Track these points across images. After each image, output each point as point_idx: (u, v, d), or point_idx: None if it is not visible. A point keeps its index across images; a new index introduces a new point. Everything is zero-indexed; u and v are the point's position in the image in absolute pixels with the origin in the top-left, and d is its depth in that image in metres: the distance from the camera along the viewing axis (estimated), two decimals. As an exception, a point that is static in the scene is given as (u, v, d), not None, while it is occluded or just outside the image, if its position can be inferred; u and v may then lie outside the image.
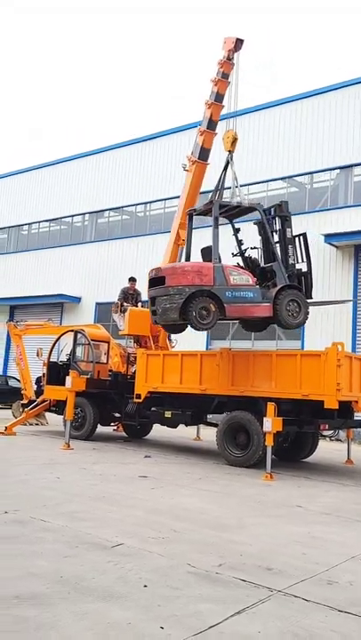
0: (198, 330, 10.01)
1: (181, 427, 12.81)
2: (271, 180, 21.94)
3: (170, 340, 13.75)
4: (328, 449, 13.42)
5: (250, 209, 11.02)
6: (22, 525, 5.41)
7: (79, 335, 14.13)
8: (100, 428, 13.83)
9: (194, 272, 9.91)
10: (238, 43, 12.62)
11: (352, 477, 10.08)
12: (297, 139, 21.26)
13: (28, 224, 31.31)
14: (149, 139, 26.01)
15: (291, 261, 10.63)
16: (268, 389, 10.06)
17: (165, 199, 24.67)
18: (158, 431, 14.51)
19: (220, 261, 10.11)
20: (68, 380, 11.76)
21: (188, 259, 11.11)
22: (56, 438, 12.70)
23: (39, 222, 30.84)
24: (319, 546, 5.39)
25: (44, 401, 14.39)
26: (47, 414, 15.66)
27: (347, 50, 61.49)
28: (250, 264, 10.99)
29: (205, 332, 22.51)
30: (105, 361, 14.23)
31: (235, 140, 11.69)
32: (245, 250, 11.07)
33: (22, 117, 73.35)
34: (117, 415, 13.73)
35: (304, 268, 10.88)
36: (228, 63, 12.63)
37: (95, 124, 71.92)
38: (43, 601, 3.64)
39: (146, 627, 3.35)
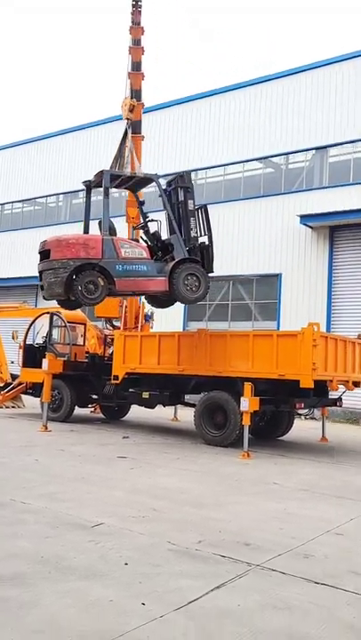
0: (86, 305, 9.95)
1: (159, 408, 12.87)
2: (247, 161, 21.88)
3: (147, 320, 13.75)
4: (303, 427, 13.65)
5: (146, 179, 10.79)
6: (2, 507, 5.41)
7: (55, 317, 14.02)
8: (78, 410, 13.81)
9: (79, 244, 9.59)
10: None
11: (327, 454, 10.29)
12: (273, 119, 21.19)
13: (1, 204, 30.74)
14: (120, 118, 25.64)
15: (193, 234, 10.42)
16: (245, 369, 10.15)
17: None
18: (136, 412, 14.56)
19: (110, 234, 9.86)
20: (45, 362, 11.69)
21: (86, 232, 10.66)
22: (33, 421, 12.65)
23: (12, 202, 30.28)
24: (295, 521, 5.52)
25: (20, 384, 14.30)
26: (24, 397, 15.57)
27: (346, 50, 61.20)
28: (151, 237, 10.74)
29: (183, 312, 22.62)
30: (82, 343, 14.18)
31: (133, 108, 11.52)
32: (147, 222, 10.75)
33: (21, 117, 71.55)
34: (95, 397, 13.72)
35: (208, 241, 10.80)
36: (135, 28, 12.17)
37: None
38: (24, 581, 3.66)
39: (127, 603, 3.40)
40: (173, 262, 9.96)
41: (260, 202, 21.20)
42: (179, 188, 10.57)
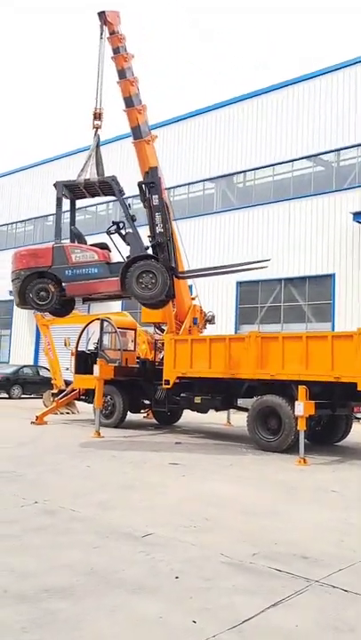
0: (41, 312, 10.25)
1: (212, 412, 12.68)
2: (296, 160, 21.42)
3: (195, 323, 13.55)
4: (362, 432, 13.12)
5: (105, 183, 10.37)
6: (52, 515, 5.36)
7: (105, 323, 14.07)
8: (131, 416, 13.79)
9: (29, 255, 10.15)
10: (107, 16, 11.68)
11: (388, 460, 9.81)
12: (322, 116, 20.67)
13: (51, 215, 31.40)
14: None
15: (158, 230, 10.27)
16: (298, 373, 9.82)
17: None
18: (189, 417, 14.42)
19: (79, 241, 10.19)
20: (96, 368, 11.71)
21: (57, 232, 10.44)
22: (86, 427, 12.70)
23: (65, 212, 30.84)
24: (357, 533, 5.20)
25: (73, 390, 14.43)
26: (78, 403, 15.72)
27: (347, 50, 59.75)
28: (124, 238, 10.40)
29: (234, 315, 22.35)
30: (132, 348, 14.16)
31: (100, 115, 11.28)
32: (116, 225, 10.29)
33: (20, 119, 73.49)
34: (147, 402, 13.67)
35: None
36: (114, 37, 11.82)
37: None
38: (72, 594, 3.55)
39: (178, 621, 3.22)
40: (125, 261, 9.88)
41: (310, 200, 20.70)
42: (144, 185, 10.63)
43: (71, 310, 11.45)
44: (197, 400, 11.57)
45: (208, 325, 14.09)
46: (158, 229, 10.28)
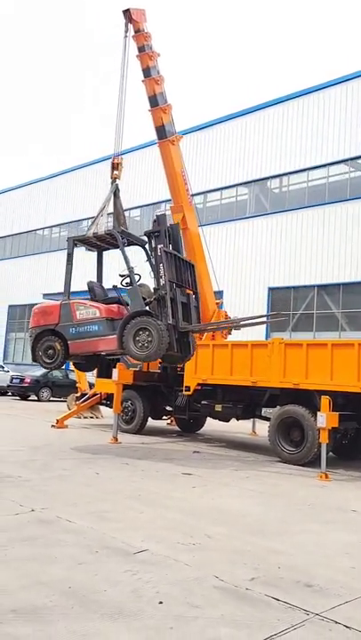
0: (49, 370, 9.77)
1: (238, 421, 12.25)
2: (332, 164, 20.82)
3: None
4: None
5: (111, 236, 9.85)
6: (46, 526, 5.08)
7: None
8: (154, 422, 13.49)
9: (40, 313, 10.03)
10: (132, 13, 11.40)
11: None
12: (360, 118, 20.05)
13: (85, 219, 31.56)
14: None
15: (162, 282, 9.32)
16: (323, 382, 9.33)
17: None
18: (213, 425, 14.02)
19: (96, 296, 9.89)
20: (115, 372, 11.47)
21: (66, 289, 10.11)
22: (107, 432, 12.44)
23: (87, 219, 30.96)
24: (372, 559, 4.74)
25: (95, 394, 14.23)
26: (102, 408, 15.52)
27: (346, 52, 58.52)
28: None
29: (265, 324, 21.84)
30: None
31: (118, 165, 10.74)
32: (123, 278, 9.68)
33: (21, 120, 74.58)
34: (169, 409, 13.34)
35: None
36: (139, 35, 11.56)
37: (97, 123, 72.04)
38: (42, 617, 3.25)
39: (150, 655, 2.88)
40: (124, 318, 9.25)
41: (346, 205, 20.06)
42: (150, 235, 9.75)
43: (96, 366, 11.29)
44: (218, 408, 11.19)
45: (233, 331, 13.70)
46: (162, 281, 9.37)
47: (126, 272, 9.47)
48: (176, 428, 14.32)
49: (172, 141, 11.69)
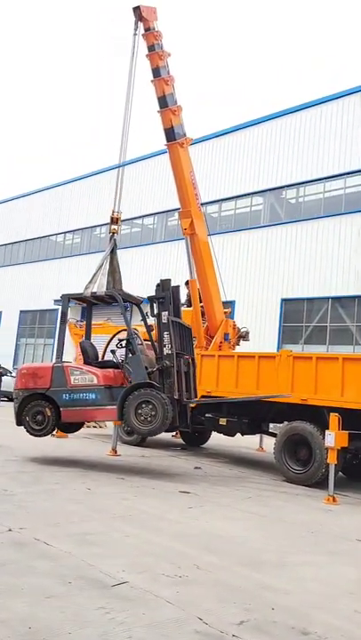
0: (36, 437, 9.13)
1: (242, 436, 11.73)
2: (348, 174, 20.33)
3: (227, 339, 12.71)
4: None
5: (110, 297, 9.56)
6: (20, 549, 4.64)
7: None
8: (159, 435, 12.96)
9: (29, 375, 9.27)
10: (142, 11, 11.09)
11: None
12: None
13: (99, 226, 31.33)
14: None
15: (166, 351, 8.90)
16: (333, 398, 8.81)
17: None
18: (219, 440, 13.50)
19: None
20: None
21: (60, 350, 9.65)
22: (108, 442, 11.94)
23: (100, 226, 30.67)
24: (379, 601, 4.22)
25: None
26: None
27: (347, 52, 58.02)
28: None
29: (277, 334, 21.29)
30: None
31: (115, 220, 10.45)
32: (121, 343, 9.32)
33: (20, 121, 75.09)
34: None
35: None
36: (149, 34, 11.24)
37: (98, 124, 72.13)
38: (-11, 665, 2.80)
39: None
40: (125, 389, 8.76)
41: (362, 216, 19.56)
42: (154, 300, 9.33)
43: (78, 429, 10.72)
44: (222, 422, 10.70)
45: (242, 342, 13.22)
46: (166, 350, 8.94)
47: (125, 335, 9.13)
48: (181, 441, 13.83)
49: (182, 144, 11.33)
